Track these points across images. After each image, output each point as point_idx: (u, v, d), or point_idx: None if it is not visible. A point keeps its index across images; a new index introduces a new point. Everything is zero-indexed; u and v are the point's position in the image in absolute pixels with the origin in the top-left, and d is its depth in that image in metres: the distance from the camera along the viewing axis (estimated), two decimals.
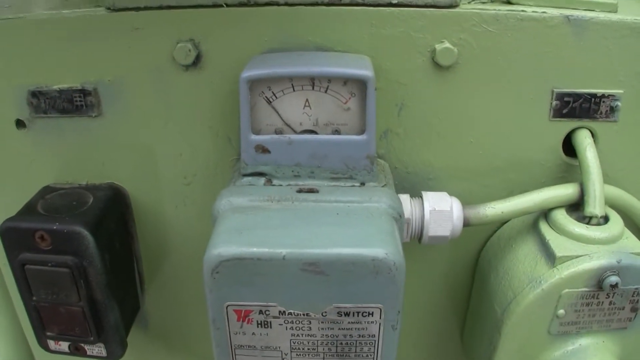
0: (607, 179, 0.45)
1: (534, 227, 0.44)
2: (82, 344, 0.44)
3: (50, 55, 0.43)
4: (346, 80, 0.38)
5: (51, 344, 0.44)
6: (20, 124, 0.45)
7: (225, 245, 0.33)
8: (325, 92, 0.38)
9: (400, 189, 0.46)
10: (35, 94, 0.44)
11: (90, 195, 0.44)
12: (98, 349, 0.44)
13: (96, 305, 0.42)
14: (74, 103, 0.44)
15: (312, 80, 0.38)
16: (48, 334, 0.43)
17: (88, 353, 0.44)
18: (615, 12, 0.43)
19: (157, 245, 0.50)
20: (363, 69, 0.37)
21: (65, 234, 0.40)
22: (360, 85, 0.38)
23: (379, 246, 0.33)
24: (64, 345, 0.44)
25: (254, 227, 0.35)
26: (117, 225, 0.46)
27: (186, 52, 0.41)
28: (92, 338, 0.43)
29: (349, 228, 0.35)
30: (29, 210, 0.42)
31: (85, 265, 0.40)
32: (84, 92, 0.44)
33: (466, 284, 0.51)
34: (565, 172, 0.46)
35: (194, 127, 0.45)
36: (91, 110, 0.44)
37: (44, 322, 0.43)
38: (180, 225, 0.49)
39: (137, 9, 0.41)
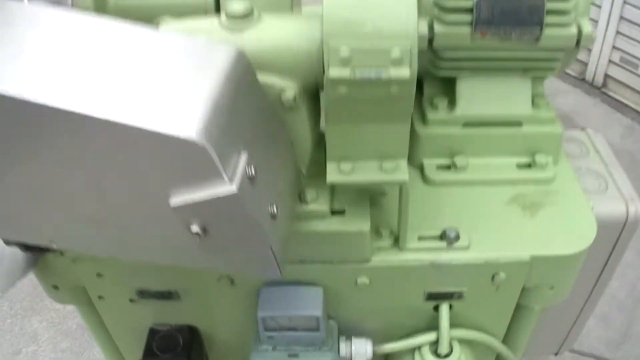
0: (463, 323, 0.83)
1: (412, 354, 0.84)
2: None
3: (142, 276, 0.79)
4: None
5: None
6: (132, 300, 0.83)
7: None
8: None
9: (344, 329, 0.84)
10: (140, 291, 0.81)
11: (180, 337, 0.84)
12: None
13: None
14: (164, 294, 0.81)
15: None
16: None
17: None
18: (467, 248, 0.76)
19: (215, 346, 0.91)
20: (317, 310, 0.74)
21: None
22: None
23: None
24: None
25: None
26: (197, 350, 0.86)
27: (228, 281, 0.77)
28: None
29: None
30: (151, 353, 0.82)
31: None
32: (169, 292, 0.81)
33: None
34: (436, 318, 0.84)
35: (237, 308, 0.82)
36: (174, 298, 0.82)
37: None
38: (226, 338, 0.89)
39: None
